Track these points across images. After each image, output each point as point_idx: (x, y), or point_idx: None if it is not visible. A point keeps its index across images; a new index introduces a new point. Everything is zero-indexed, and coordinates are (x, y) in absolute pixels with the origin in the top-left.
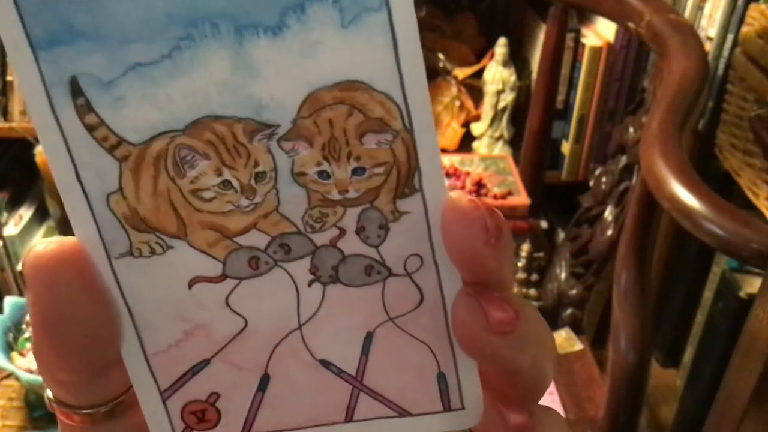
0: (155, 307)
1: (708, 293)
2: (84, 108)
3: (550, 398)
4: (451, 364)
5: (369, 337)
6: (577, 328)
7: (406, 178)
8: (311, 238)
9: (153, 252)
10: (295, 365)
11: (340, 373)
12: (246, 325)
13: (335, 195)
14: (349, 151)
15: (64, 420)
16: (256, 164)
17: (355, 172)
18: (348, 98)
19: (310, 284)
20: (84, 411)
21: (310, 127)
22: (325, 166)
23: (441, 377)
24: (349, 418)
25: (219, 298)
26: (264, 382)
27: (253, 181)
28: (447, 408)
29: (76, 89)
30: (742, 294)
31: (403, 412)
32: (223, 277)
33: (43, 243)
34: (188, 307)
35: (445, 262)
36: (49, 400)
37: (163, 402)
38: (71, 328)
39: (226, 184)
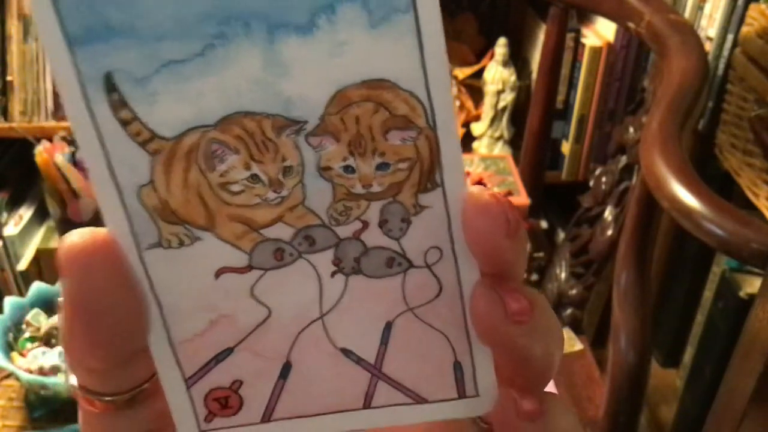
0: (182, 296)
1: (708, 293)
2: (118, 103)
3: None
4: (467, 353)
5: (388, 327)
6: (577, 328)
7: (429, 173)
8: (335, 230)
9: (182, 243)
10: (316, 354)
11: (359, 361)
12: (269, 314)
13: (359, 189)
14: (374, 147)
15: (87, 407)
16: (284, 159)
17: (379, 167)
18: (374, 96)
19: (332, 275)
20: (107, 398)
21: (337, 124)
22: (351, 161)
23: (457, 366)
24: (367, 404)
25: (244, 289)
26: (286, 369)
27: (280, 175)
28: (462, 395)
29: (110, 85)
30: (742, 294)
31: (419, 399)
32: (249, 268)
33: (76, 234)
34: (214, 297)
35: (464, 254)
36: (73, 387)
37: (187, 389)
38: (104, 317)
39: (254, 177)
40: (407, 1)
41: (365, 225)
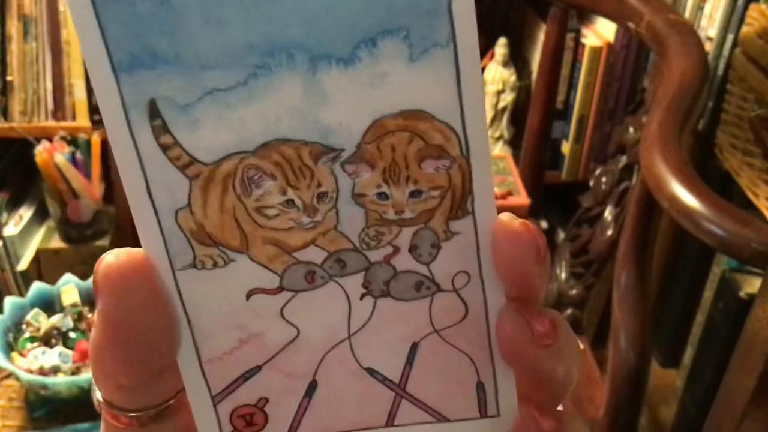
0: (213, 316)
1: (708, 293)
2: (160, 129)
3: None
4: (490, 374)
5: (414, 348)
6: (577, 328)
7: (461, 201)
8: (366, 254)
9: (215, 265)
10: (341, 373)
11: (384, 380)
12: (298, 334)
13: (392, 215)
14: (408, 175)
15: (111, 421)
16: (319, 185)
17: (412, 194)
18: (410, 126)
19: (362, 297)
20: (133, 414)
21: (373, 152)
22: (385, 188)
23: (480, 386)
24: (390, 423)
25: (274, 309)
26: (311, 388)
27: (315, 201)
28: (484, 415)
29: (154, 111)
30: (742, 294)
31: (441, 418)
32: (280, 289)
33: (113, 254)
34: (244, 317)
35: (491, 279)
36: (98, 401)
37: (214, 406)
38: (137, 335)
39: (289, 203)
40: (448, 35)
41: (396, 250)
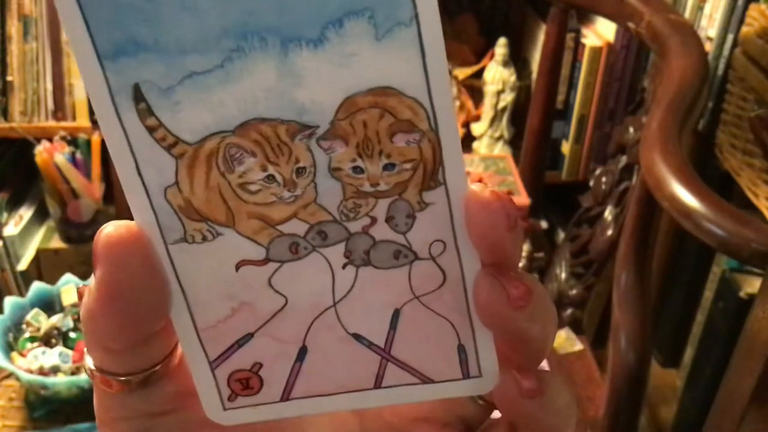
0: (205, 287)
1: (708, 293)
2: (145, 112)
3: None
4: (470, 337)
5: (396, 314)
6: (577, 328)
7: (432, 172)
8: (346, 226)
9: (204, 238)
10: (329, 338)
11: (370, 345)
12: (286, 302)
13: (368, 187)
14: (381, 149)
15: (103, 387)
16: (297, 161)
17: (386, 167)
18: (380, 102)
19: (344, 267)
20: (122, 378)
21: (346, 128)
22: (359, 162)
23: (461, 348)
24: (378, 384)
25: (262, 279)
26: (302, 353)
27: (294, 176)
28: (466, 375)
29: (138, 95)
30: (742, 294)
31: (426, 380)
32: (267, 260)
33: (113, 225)
34: (235, 287)
35: (466, 246)
36: (90, 369)
37: (212, 371)
38: (131, 301)
39: (270, 178)
40: (410, 14)
41: (373, 221)
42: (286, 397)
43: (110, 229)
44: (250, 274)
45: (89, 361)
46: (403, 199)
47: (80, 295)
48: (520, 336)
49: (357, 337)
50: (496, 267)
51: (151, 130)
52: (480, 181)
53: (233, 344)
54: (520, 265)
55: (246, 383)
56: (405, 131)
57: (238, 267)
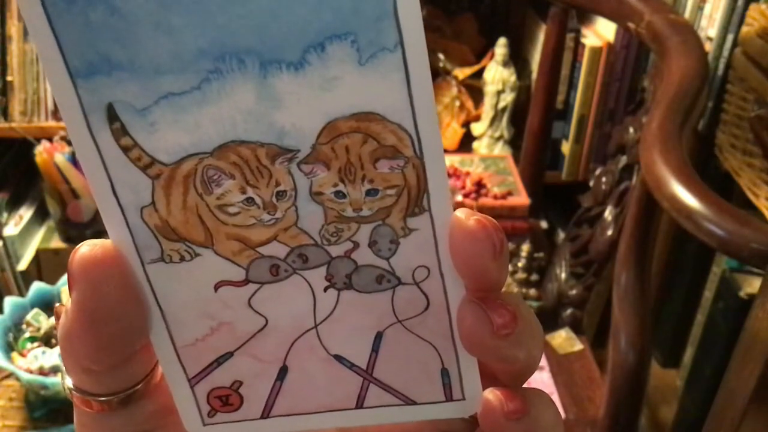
0: (184, 306)
1: (708, 293)
2: (119, 131)
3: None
4: (454, 361)
5: (379, 336)
6: (577, 328)
7: (416, 199)
8: (327, 249)
9: (182, 259)
10: (311, 359)
11: (352, 366)
12: (267, 323)
13: (350, 212)
14: (364, 175)
15: (83, 408)
16: (278, 184)
17: (368, 193)
18: (363, 127)
19: (325, 290)
20: (102, 398)
21: (328, 153)
22: (342, 187)
23: (444, 372)
24: (359, 405)
25: (242, 300)
26: (282, 372)
27: (274, 199)
28: (449, 398)
29: (112, 115)
30: (742, 294)
31: (408, 401)
32: (246, 281)
33: (88, 245)
34: (214, 307)
35: (450, 272)
36: (70, 389)
37: (191, 387)
38: (108, 322)
39: (249, 200)
40: (395, 40)
41: (356, 245)
42: (266, 414)
43: (85, 249)
44: (229, 295)
45: (68, 381)
46: (386, 225)
47: (57, 316)
48: (507, 361)
49: (339, 358)
50: (480, 294)
51: (125, 149)
52: (479, 181)
53: (212, 362)
54: (520, 265)
55: (225, 400)
56: (388, 157)
57: (217, 287)
